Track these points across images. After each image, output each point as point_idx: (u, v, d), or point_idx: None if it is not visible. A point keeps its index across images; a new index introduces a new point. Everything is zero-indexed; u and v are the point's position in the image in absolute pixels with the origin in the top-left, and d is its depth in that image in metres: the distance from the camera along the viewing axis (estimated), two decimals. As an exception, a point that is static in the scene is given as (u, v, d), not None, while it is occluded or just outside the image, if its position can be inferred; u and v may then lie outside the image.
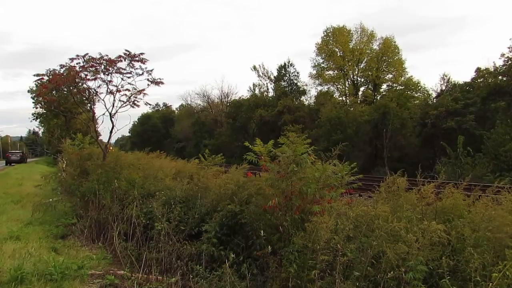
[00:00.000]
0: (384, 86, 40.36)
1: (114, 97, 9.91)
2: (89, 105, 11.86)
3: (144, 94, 10.15)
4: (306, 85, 45.37)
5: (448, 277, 3.00)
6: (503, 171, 18.36)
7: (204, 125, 52.84)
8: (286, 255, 3.95)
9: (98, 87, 10.02)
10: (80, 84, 10.29)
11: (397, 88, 38.56)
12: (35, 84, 15.95)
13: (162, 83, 10.31)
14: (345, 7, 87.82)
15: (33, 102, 35.18)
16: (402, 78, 38.71)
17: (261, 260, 4.47)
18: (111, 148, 13.96)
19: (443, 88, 32.64)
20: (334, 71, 41.54)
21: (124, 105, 10.07)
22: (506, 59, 24.48)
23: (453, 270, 3.26)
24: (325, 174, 4.50)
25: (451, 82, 32.42)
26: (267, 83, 49.43)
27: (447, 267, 3.08)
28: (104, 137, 14.63)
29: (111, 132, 10.18)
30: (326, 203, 4.44)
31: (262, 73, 49.03)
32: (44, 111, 36.27)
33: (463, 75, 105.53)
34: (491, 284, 2.80)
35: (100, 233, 7.32)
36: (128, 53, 9.82)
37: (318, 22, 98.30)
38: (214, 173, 7.79)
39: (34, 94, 32.00)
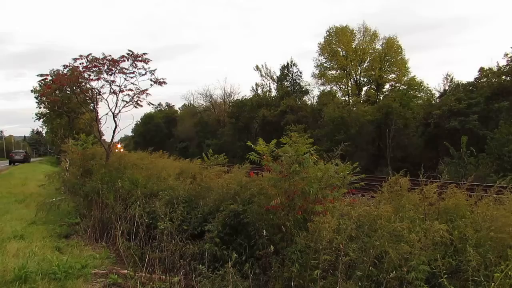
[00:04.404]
0: (387, 86, 40.24)
1: (117, 97, 9.99)
2: (92, 105, 11.91)
3: (147, 94, 10.23)
4: (309, 85, 45.50)
5: (445, 276, 2.99)
6: (507, 171, 18.27)
7: (207, 125, 52.88)
8: (289, 254, 3.95)
9: (101, 87, 10.11)
10: (83, 84, 10.36)
11: (400, 88, 38.36)
12: (39, 84, 16.09)
13: (165, 83, 10.38)
14: (348, 7, 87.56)
15: (36, 102, 35.33)
16: (405, 78, 38.53)
17: (264, 259, 4.48)
18: (118, 146, 13.90)
19: (446, 88, 32.61)
20: (337, 71, 41.44)
21: (127, 105, 10.15)
22: (509, 59, 24.46)
23: (455, 270, 3.26)
24: (327, 174, 4.51)
25: (454, 82, 32.38)
26: (269, 83, 49.55)
27: (448, 267, 3.08)
28: (107, 137, 14.72)
29: (114, 131, 10.24)
30: (328, 203, 4.44)
31: (265, 73, 49.14)
32: (48, 111, 36.37)
33: (467, 75, 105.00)
34: (493, 284, 2.80)
35: (103, 233, 7.35)
36: (131, 53, 9.87)
37: (321, 22, 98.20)
38: (217, 173, 7.81)
39: (37, 94, 32.16)
